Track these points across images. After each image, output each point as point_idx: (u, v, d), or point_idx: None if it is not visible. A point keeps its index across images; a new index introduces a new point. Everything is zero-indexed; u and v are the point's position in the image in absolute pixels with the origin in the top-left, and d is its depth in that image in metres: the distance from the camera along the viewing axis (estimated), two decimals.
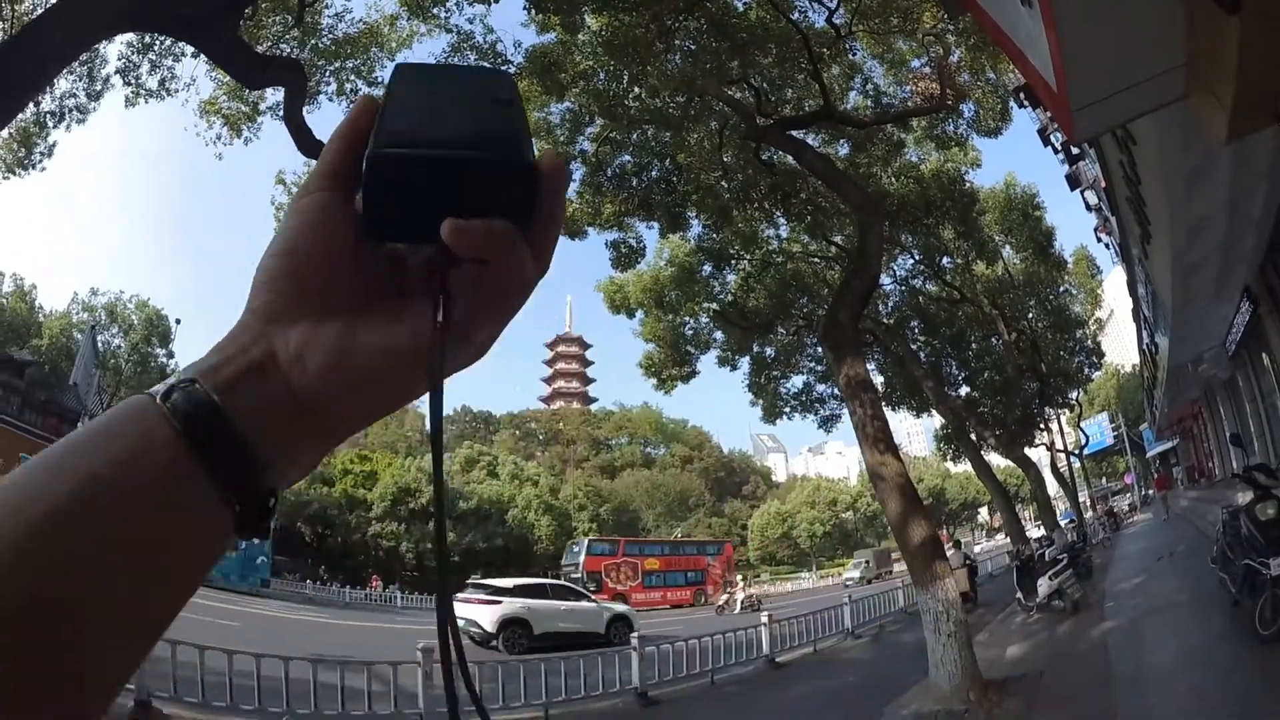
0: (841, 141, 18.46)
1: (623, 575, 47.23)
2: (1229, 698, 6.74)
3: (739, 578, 45.74)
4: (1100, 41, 4.80)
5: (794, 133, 15.35)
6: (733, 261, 21.80)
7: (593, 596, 26.57)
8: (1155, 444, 52.95)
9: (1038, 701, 8.61)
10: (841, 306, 12.28)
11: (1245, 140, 5.71)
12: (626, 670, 12.70)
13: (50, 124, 13.98)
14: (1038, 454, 39.09)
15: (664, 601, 47.89)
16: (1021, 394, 32.28)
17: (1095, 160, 12.79)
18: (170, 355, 52.77)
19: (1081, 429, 52.08)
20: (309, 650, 10.76)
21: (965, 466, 49.66)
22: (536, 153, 0.52)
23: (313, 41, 13.92)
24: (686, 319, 23.79)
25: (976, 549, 47.63)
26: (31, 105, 13.19)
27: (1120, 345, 60.34)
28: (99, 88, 14.06)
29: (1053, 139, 24.72)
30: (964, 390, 32.19)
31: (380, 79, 14.17)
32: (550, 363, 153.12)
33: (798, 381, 28.28)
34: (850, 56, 17.11)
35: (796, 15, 14.50)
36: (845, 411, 27.09)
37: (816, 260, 23.68)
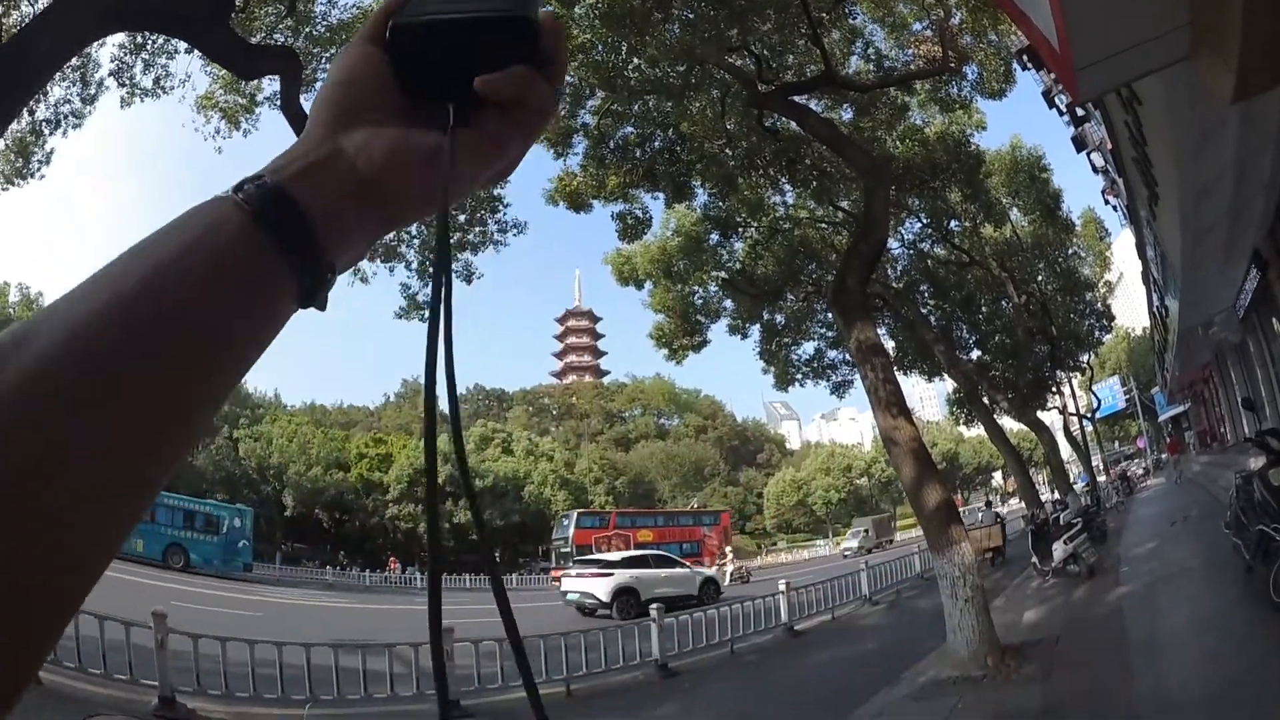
0: (844, 106, 18.26)
1: (614, 548, 44.44)
2: (1243, 664, 6.70)
3: (728, 549, 44.97)
4: (1102, 0, 4.74)
5: (797, 98, 15.20)
6: (740, 229, 21.66)
7: (687, 563, 29.82)
8: (1167, 408, 52.61)
9: (1055, 667, 8.61)
10: (849, 271, 12.20)
11: (1252, 101, 5.61)
12: (646, 642, 12.79)
13: (47, 131, 13.88)
14: (1050, 418, 38.88)
15: None
16: (1033, 357, 32.14)
17: (1100, 122, 12.64)
18: None
19: (1093, 392, 51.79)
20: (330, 636, 10.86)
21: (977, 431, 49.46)
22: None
23: (306, 30, 13.77)
24: (695, 288, 23.71)
25: (977, 517, 47.50)
26: (27, 114, 13.14)
27: (1130, 308, 59.74)
28: (93, 91, 13.94)
29: (1057, 101, 24.43)
30: (975, 354, 32.09)
31: None
32: (561, 337, 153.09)
33: (809, 348, 28.25)
34: (850, 20, 16.88)
35: None
36: (857, 377, 27.21)
37: (824, 226, 23.54)
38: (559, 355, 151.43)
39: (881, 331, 21.86)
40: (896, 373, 14.49)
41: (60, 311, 0.47)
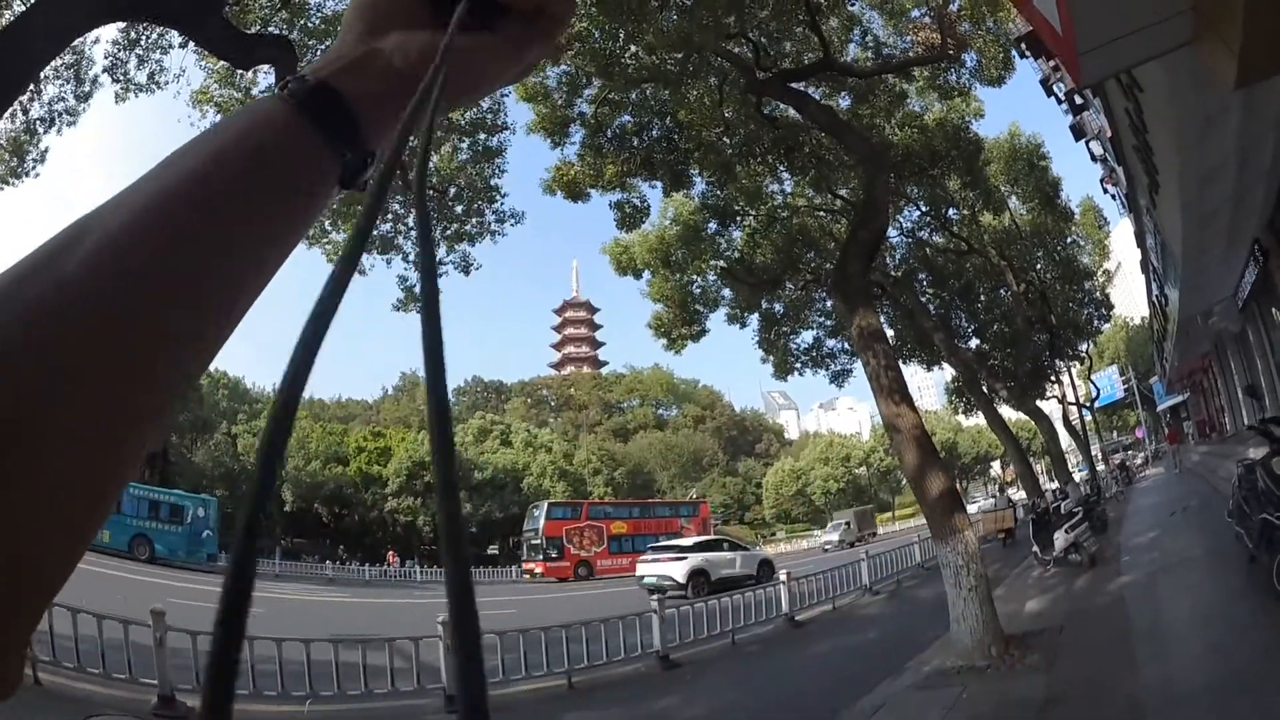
0: (843, 94, 18.17)
1: (586, 540, 45.35)
2: (1248, 654, 6.66)
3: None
4: None
5: (795, 85, 15.12)
6: (738, 218, 21.59)
7: (747, 546, 33.06)
8: (1165, 397, 52.66)
9: (1059, 657, 8.57)
10: (851, 258, 12.11)
11: (1254, 87, 5.57)
12: (648, 634, 12.75)
13: (41, 130, 13.79)
14: (1049, 407, 38.93)
15: (633, 568, 41.95)
16: (1031, 346, 32.15)
17: (1100, 110, 12.58)
18: None
19: (1092, 382, 51.83)
20: (330, 631, 10.81)
21: (976, 420, 49.36)
22: None
23: (301, 21, 13.65)
24: (694, 277, 23.60)
25: (991, 503, 47.43)
26: (21, 113, 13.07)
27: (1128, 298, 59.79)
28: (87, 88, 13.85)
29: (1055, 89, 24.36)
30: (974, 343, 32.07)
31: None
32: (559, 328, 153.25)
33: (808, 337, 28.15)
34: (849, 7, 16.82)
35: None
36: (856, 366, 27.31)
37: (822, 214, 23.48)
38: (557, 346, 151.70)
39: (880, 320, 21.87)
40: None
41: (121, 200, 0.52)
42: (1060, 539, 15.42)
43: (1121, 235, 43.89)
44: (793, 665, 12.44)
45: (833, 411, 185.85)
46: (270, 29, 13.30)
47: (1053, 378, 37.14)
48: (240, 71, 13.65)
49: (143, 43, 13.55)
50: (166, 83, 14.06)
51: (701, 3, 13.42)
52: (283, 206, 0.57)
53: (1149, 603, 10.13)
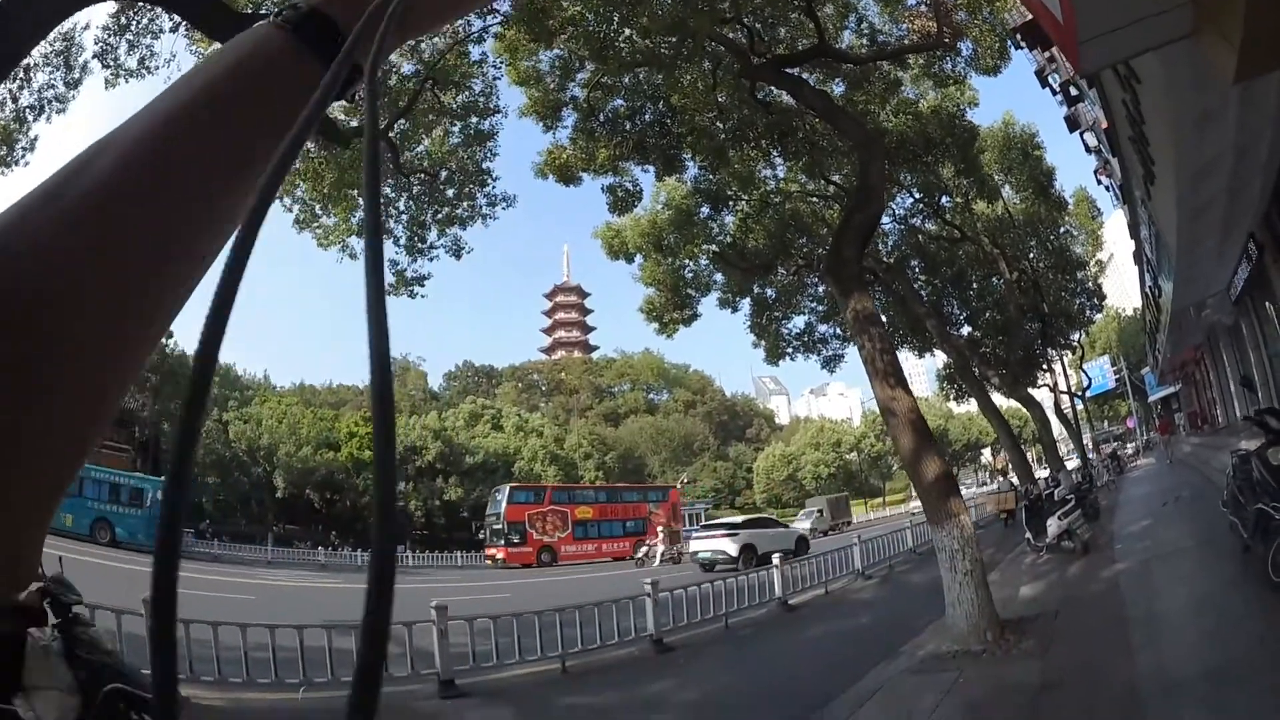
0: (837, 80, 18.07)
1: (549, 525, 44.21)
2: (1243, 643, 6.68)
3: (660, 528, 41.31)
4: None
5: (789, 71, 15.04)
6: (730, 203, 21.51)
7: (785, 524, 36.84)
8: (1157, 388, 52.93)
9: (1054, 643, 8.59)
10: (845, 242, 12.05)
11: (1253, 82, 5.57)
12: (641, 618, 12.74)
13: (30, 118, 13.62)
14: (1040, 396, 39.11)
15: (598, 554, 44.42)
16: (1024, 334, 32.28)
17: (1095, 101, 12.56)
18: (169, 335, 51.59)
19: (1084, 371, 52.03)
20: (323, 617, 10.76)
21: (966, 408, 49.36)
22: None
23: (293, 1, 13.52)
24: (686, 262, 23.56)
25: (981, 489, 47.53)
26: (10, 101, 12.94)
27: (1120, 289, 59.84)
28: (77, 75, 13.70)
29: (1050, 80, 24.33)
30: (966, 330, 32.15)
31: None
32: (549, 313, 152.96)
33: (799, 322, 28.13)
34: None
35: None
36: (848, 351, 27.40)
37: (815, 200, 23.45)
38: (548, 331, 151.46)
39: (875, 304, 21.85)
40: None
41: (136, 120, 0.59)
42: (1053, 525, 15.48)
43: (1115, 226, 43.96)
44: (786, 649, 12.47)
45: (824, 397, 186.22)
46: (263, 11, 13.15)
47: (1044, 366, 37.27)
48: None
49: (133, 28, 13.40)
50: (157, 68, 13.91)
51: None
52: (277, 124, 0.59)
53: (1143, 590, 10.15)
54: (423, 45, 14.70)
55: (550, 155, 17.04)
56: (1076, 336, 40.50)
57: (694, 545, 30.83)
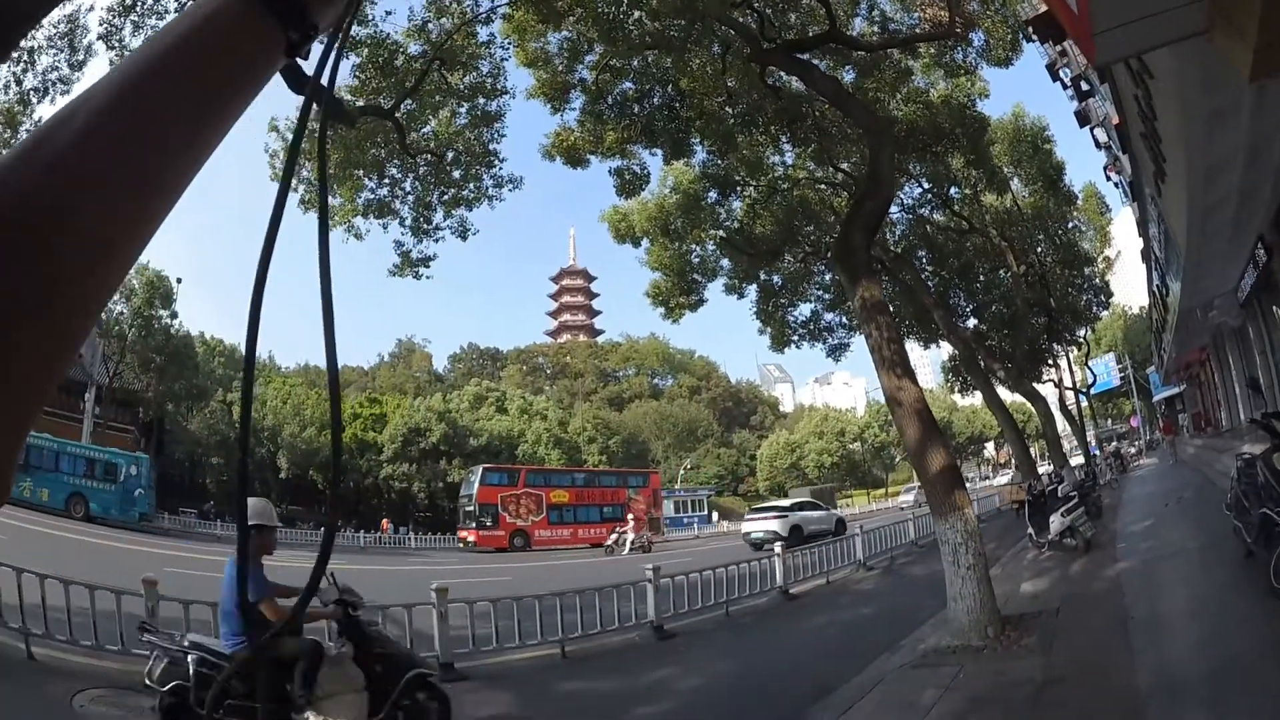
0: (847, 67, 17.92)
1: (523, 509, 43.12)
2: (1243, 646, 6.61)
3: (631, 515, 40.11)
4: None
5: (799, 56, 14.89)
6: (738, 188, 21.45)
7: (826, 507, 37.57)
8: (1161, 388, 52.76)
9: (1056, 639, 8.53)
10: (855, 229, 11.92)
11: (1268, 81, 5.48)
12: (642, 604, 12.73)
13: (35, 100, 13.57)
14: (1045, 391, 39.02)
15: (574, 540, 43.37)
16: (1030, 328, 32.13)
17: (1107, 97, 12.44)
18: (174, 315, 51.00)
19: (1089, 367, 51.95)
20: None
21: (970, 401, 49.16)
22: None
23: None
24: (693, 246, 23.53)
25: (1008, 477, 47.35)
26: (14, 83, 12.90)
27: (1127, 287, 59.50)
28: (82, 57, 13.61)
29: (1062, 75, 24.14)
30: (972, 322, 32.08)
31: (371, 16, 13.73)
32: (555, 296, 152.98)
33: (805, 309, 28.14)
34: None
35: None
36: (854, 340, 27.33)
37: (823, 187, 23.33)
38: (553, 314, 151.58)
39: (883, 292, 21.73)
40: None
41: (117, 71, 0.63)
42: (1056, 522, 15.40)
43: (1123, 223, 43.77)
44: (787, 638, 12.43)
45: (828, 386, 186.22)
46: None
47: (1050, 361, 37.13)
48: None
49: (138, 8, 13.29)
50: None
51: None
52: (234, 80, 0.67)
53: (1145, 591, 10.08)
54: (430, 25, 14.58)
55: (558, 137, 16.93)
56: (1082, 332, 40.30)
57: (745, 526, 33.37)
